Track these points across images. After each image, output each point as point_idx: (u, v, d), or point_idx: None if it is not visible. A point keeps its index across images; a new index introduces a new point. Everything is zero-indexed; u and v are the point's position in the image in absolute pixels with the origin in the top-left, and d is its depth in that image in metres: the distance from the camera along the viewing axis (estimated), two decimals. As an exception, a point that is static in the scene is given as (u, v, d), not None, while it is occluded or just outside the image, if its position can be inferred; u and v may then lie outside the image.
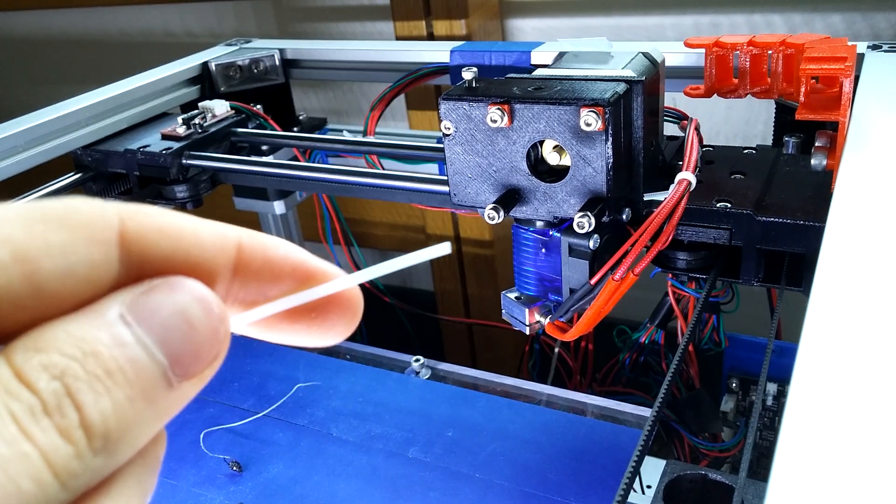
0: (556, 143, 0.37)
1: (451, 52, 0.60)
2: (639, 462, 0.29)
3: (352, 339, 0.68)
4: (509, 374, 0.60)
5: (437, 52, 0.62)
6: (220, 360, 0.16)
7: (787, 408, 0.21)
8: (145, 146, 0.57)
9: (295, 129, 0.70)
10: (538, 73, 0.40)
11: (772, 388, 0.57)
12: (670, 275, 0.49)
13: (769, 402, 0.57)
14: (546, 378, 0.63)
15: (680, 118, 0.44)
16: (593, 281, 0.37)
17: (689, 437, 0.57)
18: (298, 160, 0.66)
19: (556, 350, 0.62)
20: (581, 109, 0.34)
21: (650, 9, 0.85)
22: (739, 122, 0.86)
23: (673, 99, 0.47)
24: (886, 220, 0.29)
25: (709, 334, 0.57)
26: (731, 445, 0.57)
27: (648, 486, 0.49)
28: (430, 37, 0.86)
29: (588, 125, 0.34)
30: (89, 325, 0.14)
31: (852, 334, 0.23)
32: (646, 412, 0.52)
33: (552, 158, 0.38)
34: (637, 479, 0.52)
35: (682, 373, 0.58)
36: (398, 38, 0.87)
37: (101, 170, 0.59)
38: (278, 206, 0.72)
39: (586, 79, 0.38)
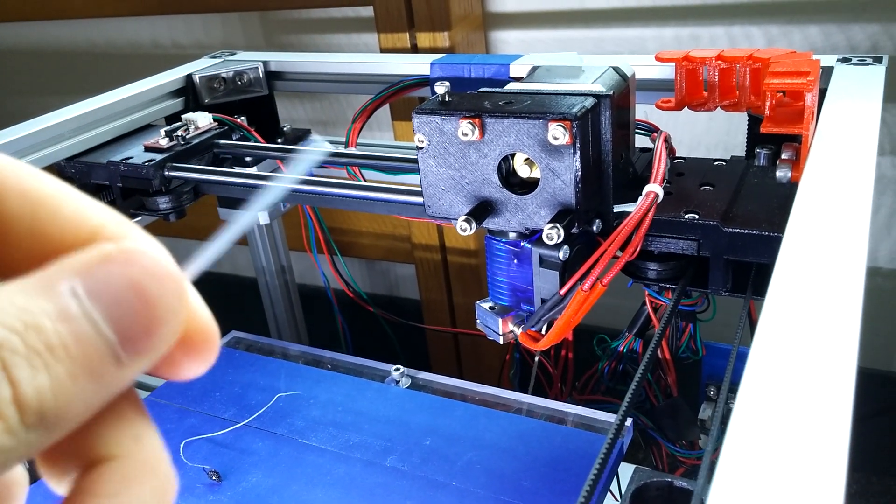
0: (526, 155, 0.38)
1: (432, 64, 0.61)
2: (601, 468, 0.29)
3: (335, 348, 0.69)
4: (494, 382, 0.60)
5: (419, 65, 0.62)
6: (177, 336, 0.15)
7: (733, 413, 0.22)
8: (128, 158, 0.58)
9: (279, 140, 0.71)
10: (509, 87, 0.41)
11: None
12: (645, 284, 0.49)
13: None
14: (527, 387, 0.63)
15: (651, 131, 0.45)
16: (562, 291, 0.37)
17: (667, 444, 0.58)
18: (283, 171, 0.66)
19: (537, 359, 0.63)
20: (549, 123, 0.35)
21: (631, 21, 0.86)
22: (720, 133, 0.88)
23: (645, 112, 0.48)
24: (843, 232, 0.30)
25: (686, 343, 0.58)
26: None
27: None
28: (414, 49, 0.87)
29: (556, 139, 0.35)
30: (36, 295, 0.13)
31: (802, 343, 0.24)
32: (626, 420, 0.53)
33: (523, 171, 0.39)
34: (616, 484, 0.52)
35: (659, 381, 0.59)
36: (382, 50, 0.88)
37: (85, 181, 0.59)
38: (262, 217, 0.72)
39: (556, 93, 0.39)
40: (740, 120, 0.91)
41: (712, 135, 0.87)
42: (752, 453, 0.20)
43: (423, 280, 1.01)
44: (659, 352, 0.57)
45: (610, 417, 0.54)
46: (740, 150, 0.53)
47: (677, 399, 0.58)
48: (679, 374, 0.59)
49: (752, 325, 0.57)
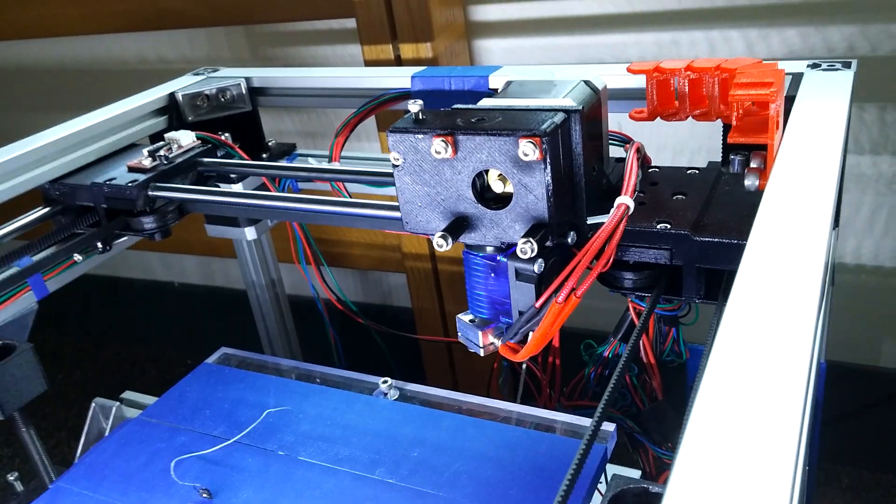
0: (499, 171, 0.38)
1: (413, 77, 0.62)
2: (576, 473, 0.30)
3: (328, 359, 0.69)
4: (486, 390, 0.61)
5: (402, 78, 0.63)
6: None
7: (690, 417, 0.22)
8: (112, 179, 0.58)
9: (264, 155, 0.71)
10: (482, 103, 0.42)
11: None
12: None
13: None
14: (515, 394, 0.64)
15: (624, 141, 0.45)
16: (538, 304, 0.38)
17: (653, 447, 0.58)
18: (267, 186, 0.67)
19: (524, 366, 0.63)
20: (519, 140, 0.36)
21: (612, 27, 0.87)
22: (703, 137, 0.88)
23: (619, 123, 0.48)
24: (803, 238, 0.30)
25: (669, 347, 0.59)
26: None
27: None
28: (398, 59, 0.87)
29: (526, 155, 0.36)
30: None
31: (760, 345, 0.25)
32: (609, 426, 0.54)
33: (497, 186, 0.39)
34: (605, 486, 0.53)
35: (645, 385, 0.59)
36: (366, 62, 0.89)
37: (70, 203, 0.59)
38: (249, 233, 0.73)
39: (527, 109, 0.39)
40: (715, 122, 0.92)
41: (696, 138, 0.88)
42: (707, 456, 0.21)
43: (415, 289, 1.01)
44: (644, 356, 0.58)
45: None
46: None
47: (662, 402, 0.59)
48: (665, 378, 0.59)
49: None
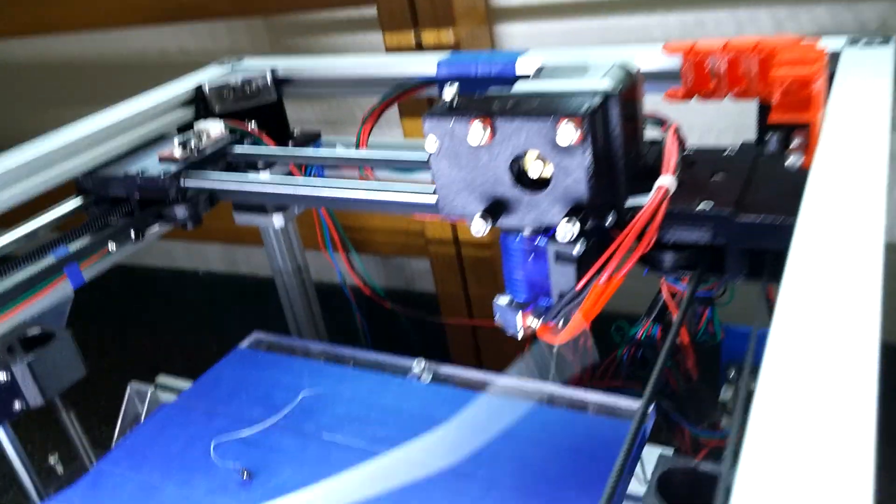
0: (537, 154, 0.38)
1: (438, 64, 0.61)
2: (627, 456, 0.30)
3: (354, 344, 0.70)
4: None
5: (427, 65, 0.63)
6: None
7: (756, 394, 0.22)
8: (144, 170, 0.59)
9: (289, 143, 0.71)
10: (517, 87, 0.41)
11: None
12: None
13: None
14: (547, 375, 0.64)
15: (661, 123, 0.45)
16: (579, 286, 0.38)
17: (689, 427, 0.58)
18: (294, 174, 0.67)
19: (556, 348, 0.63)
20: (559, 123, 0.36)
21: (636, 9, 0.86)
22: (732, 115, 0.87)
23: (653, 103, 0.48)
24: (858, 214, 0.30)
25: (704, 327, 0.59)
26: (730, 434, 0.58)
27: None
28: (419, 46, 0.87)
29: (566, 138, 0.36)
30: None
31: (819, 324, 0.25)
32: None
33: (535, 169, 0.39)
34: (640, 466, 0.53)
35: (679, 365, 0.59)
36: (387, 49, 0.89)
37: (103, 194, 0.60)
38: (277, 220, 0.73)
39: (564, 92, 0.39)
40: (751, 101, 0.90)
41: (724, 117, 0.87)
42: (776, 437, 0.21)
43: (439, 274, 1.02)
44: (678, 337, 0.58)
45: (631, 403, 0.55)
46: (753, 132, 0.53)
47: (698, 382, 0.59)
48: (698, 357, 0.59)
49: (770, 307, 0.57)
